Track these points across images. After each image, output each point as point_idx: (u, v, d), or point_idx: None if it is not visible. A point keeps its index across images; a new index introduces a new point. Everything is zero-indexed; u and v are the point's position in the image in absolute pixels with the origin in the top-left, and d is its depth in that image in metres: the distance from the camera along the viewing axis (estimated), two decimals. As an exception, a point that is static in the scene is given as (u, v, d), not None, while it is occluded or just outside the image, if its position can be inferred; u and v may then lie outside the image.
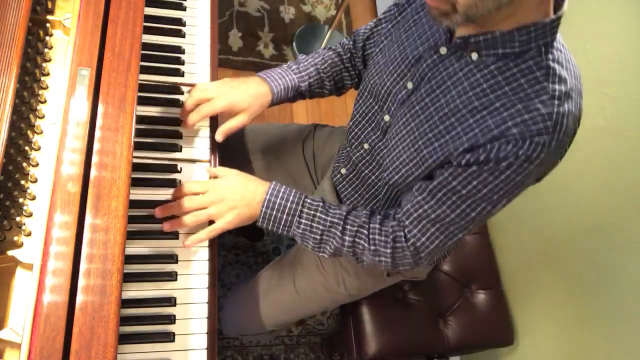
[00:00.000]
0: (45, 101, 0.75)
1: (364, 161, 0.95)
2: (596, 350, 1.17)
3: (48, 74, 0.77)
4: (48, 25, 0.79)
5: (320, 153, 1.15)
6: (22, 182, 0.69)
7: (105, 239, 0.65)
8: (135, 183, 0.79)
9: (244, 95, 0.86)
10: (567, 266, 1.25)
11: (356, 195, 1.01)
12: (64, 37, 0.81)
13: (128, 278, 0.75)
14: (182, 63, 0.91)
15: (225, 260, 1.64)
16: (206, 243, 0.82)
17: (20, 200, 0.68)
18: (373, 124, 0.91)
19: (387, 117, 0.86)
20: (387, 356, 1.20)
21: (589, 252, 1.19)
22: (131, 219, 0.74)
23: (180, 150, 0.85)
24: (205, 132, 0.88)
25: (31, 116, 0.73)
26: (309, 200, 0.82)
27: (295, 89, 0.95)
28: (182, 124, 0.87)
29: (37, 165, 0.71)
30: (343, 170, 1.02)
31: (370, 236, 0.81)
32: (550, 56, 0.67)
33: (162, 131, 0.85)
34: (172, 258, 0.78)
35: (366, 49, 1.01)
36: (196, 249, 0.81)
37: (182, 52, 0.92)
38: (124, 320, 0.72)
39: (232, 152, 1.11)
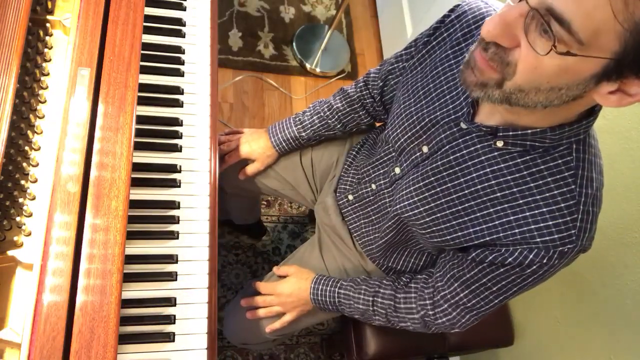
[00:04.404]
0: (45, 101, 0.75)
1: (368, 200, 0.96)
2: (596, 350, 1.17)
3: (48, 74, 0.77)
4: (48, 25, 0.79)
5: (319, 161, 1.13)
6: (22, 182, 0.69)
7: (105, 239, 0.65)
8: (135, 183, 0.79)
9: (254, 149, 1.07)
10: (567, 266, 1.25)
11: (359, 224, 1.02)
12: (64, 37, 0.81)
13: (128, 278, 0.75)
14: (182, 63, 0.91)
15: (225, 260, 1.64)
16: (206, 243, 0.82)
17: (20, 200, 0.68)
18: (385, 169, 0.91)
19: (397, 170, 0.86)
20: (387, 356, 1.20)
21: (589, 252, 1.19)
22: (131, 219, 0.74)
23: (180, 150, 0.85)
24: (205, 132, 0.88)
25: (31, 116, 0.73)
26: (343, 291, 0.95)
27: (296, 139, 1.06)
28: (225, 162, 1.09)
29: (37, 165, 0.71)
30: (350, 197, 1.02)
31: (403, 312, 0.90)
32: (581, 155, 0.63)
33: (162, 131, 0.85)
34: (172, 258, 0.78)
35: (385, 95, 0.97)
36: (196, 249, 0.81)
37: (182, 52, 0.92)
38: (124, 320, 0.72)
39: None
